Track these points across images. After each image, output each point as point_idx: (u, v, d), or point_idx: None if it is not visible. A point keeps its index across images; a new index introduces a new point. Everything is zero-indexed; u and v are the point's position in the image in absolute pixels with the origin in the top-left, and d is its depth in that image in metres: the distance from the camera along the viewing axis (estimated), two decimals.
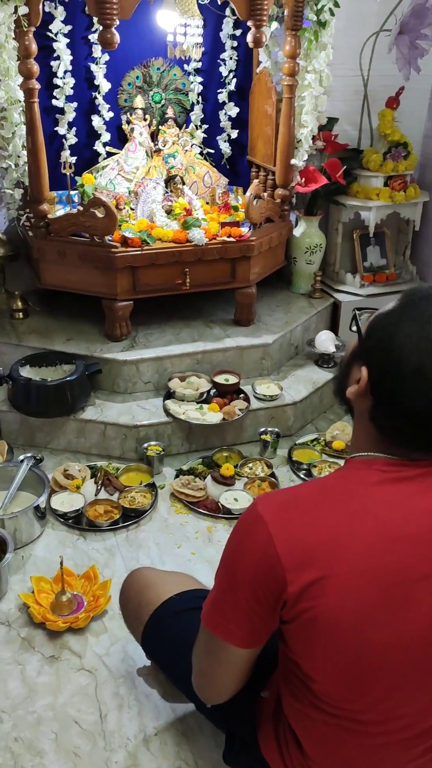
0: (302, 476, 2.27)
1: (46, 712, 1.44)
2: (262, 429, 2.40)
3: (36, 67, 2.19)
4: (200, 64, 2.80)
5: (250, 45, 2.23)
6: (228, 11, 2.67)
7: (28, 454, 2.18)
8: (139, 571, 1.47)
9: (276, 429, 2.41)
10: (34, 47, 2.15)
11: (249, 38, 2.21)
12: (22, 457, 2.15)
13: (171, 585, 1.38)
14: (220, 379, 2.45)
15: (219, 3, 2.20)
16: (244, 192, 2.78)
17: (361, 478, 0.96)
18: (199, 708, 1.28)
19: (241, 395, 2.45)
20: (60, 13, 2.48)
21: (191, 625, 1.12)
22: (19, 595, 1.69)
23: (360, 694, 0.96)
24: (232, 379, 2.45)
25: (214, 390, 2.45)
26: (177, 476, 2.22)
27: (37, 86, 2.22)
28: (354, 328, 1.03)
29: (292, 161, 2.64)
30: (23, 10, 2.08)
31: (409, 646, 0.93)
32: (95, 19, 2.36)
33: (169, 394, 2.40)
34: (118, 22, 2.03)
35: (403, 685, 0.97)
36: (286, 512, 0.94)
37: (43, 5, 2.17)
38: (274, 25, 2.50)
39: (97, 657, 1.57)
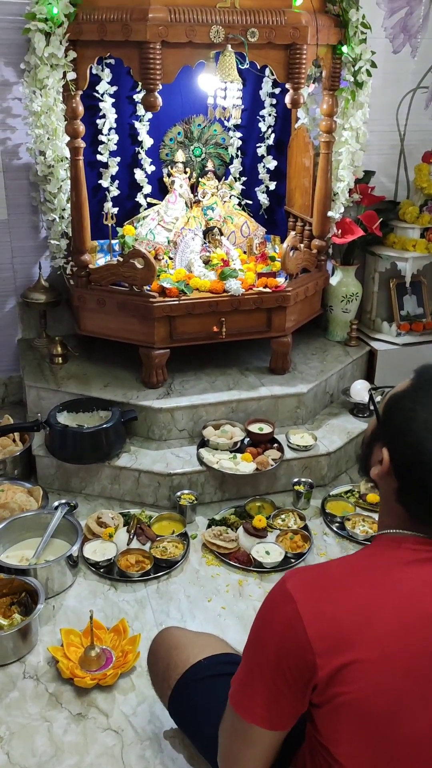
0: (335, 529, 2.24)
1: None
2: (296, 479, 2.39)
3: (82, 128, 2.29)
4: (240, 120, 2.88)
5: (289, 106, 2.29)
6: (267, 71, 2.75)
7: (63, 501, 2.21)
8: (169, 631, 1.46)
9: (309, 479, 2.39)
10: (81, 109, 2.26)
11: (287, 99, 2.27)
12: (56, 504, 2.18)
13: (200, 648, 1.36)
14: (254, 428, 2.45)
15: (258, 67, 2.26)
16: (282, 241, 2.82)
17: (392, 557, 0.95)
18: None
19: (275, 445, 2.45)
20: (107, 75, 2.59)
21: (218, 693, 1.11)
22: (48, 648, 1.69)
23: None
24: (266, 428, 2.46)
25: (248, 439, 2.45)
26: (209, 526, 2.21)
27: (83, 145, 2.32)
28: (372, 407, 1.03)
29: (329, 213, 2.68)
30: (71, 75, 2.19)
31: None
32: (140, 85, 2.45)
33: (203, 443, 2.42)
34: (161, 87, 2.11)
35: None
36: (316, 591, 0.93)
37: (91, 69, 2.28)
38: (313, 86, 2.57)
39: (124, 716, 1.55)
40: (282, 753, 1.14)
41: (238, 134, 2.90)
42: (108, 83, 2.60)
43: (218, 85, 2.29)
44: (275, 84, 2.78)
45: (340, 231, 2.73)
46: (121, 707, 1.57)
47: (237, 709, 0.97)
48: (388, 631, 0.89)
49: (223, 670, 1.27)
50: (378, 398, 1.06)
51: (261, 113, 2.86)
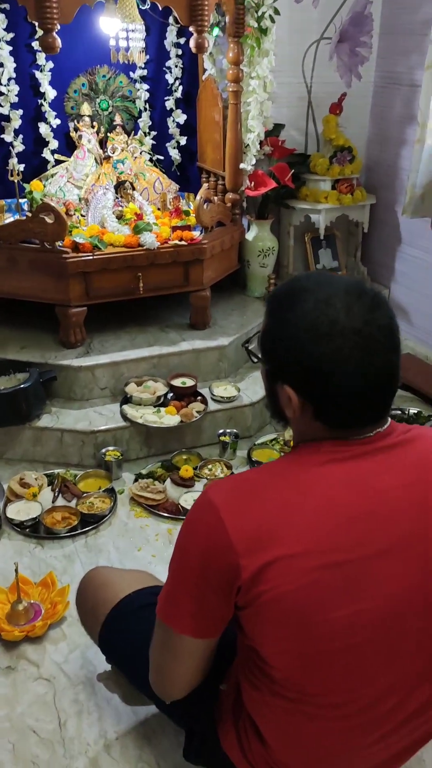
0: None
1: (2, 723, 1.39)
2: (221, 431, 2.40)
3: None
4: (146, 71, 2.82)
5: (193, 50, 2.25)
6: (171, 19, 2.70)
7: None
8: (96, 571, 1.44)
9: (235, 430, 2.41)
10: None
11: (192, 43, 2.24)
12: None
13: (128, 582, 1.35)
14: (176, 382, 2.44)
15: (160, 8, 2.21)
16: (195, 198, 2.80)
17: (311, 460, 0.96)
18: (159, 706, 1.26)
19: (199, 398, 2.44)
20: (2, 21, 2.47)
21: (149, 622, 1.10)
22: None
23: (318, 678, 0.95)
24: (189, 382, 2.45)
25: (171, 394, 2.44)
26: (136, 480, 2.19)
27: None
28: (252, 357, 1.03)
29: (241, 165, 2.67)
30: None
31: (367, 626, 0.93)
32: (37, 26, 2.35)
33: (126, 399, 2.38)
34: (59, 27, 2.03)
35: (362, 667, 0.96)
36: (237, 497, 0.93)
37: None
38: (216, 31, 2.54)
39: (56, 665, 1.53)
40: (214, 672, 1.15)
41: (145, 86, 2.84)
42: (4, 29, 2.48)
43: (119, 27, 2.22)
44: (180, 33, 2.73)
45: (253, 183, 2.73)
46: (52, 657, 1.54)
47: (165, 621, 0.97)
48: (307, 528, 0.90)
49: (151, 600, 1.25)
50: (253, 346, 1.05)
51: (167, 64, 2.81)
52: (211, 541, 0.91)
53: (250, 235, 2.91)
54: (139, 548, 1.92)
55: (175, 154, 2.97)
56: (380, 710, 0.99)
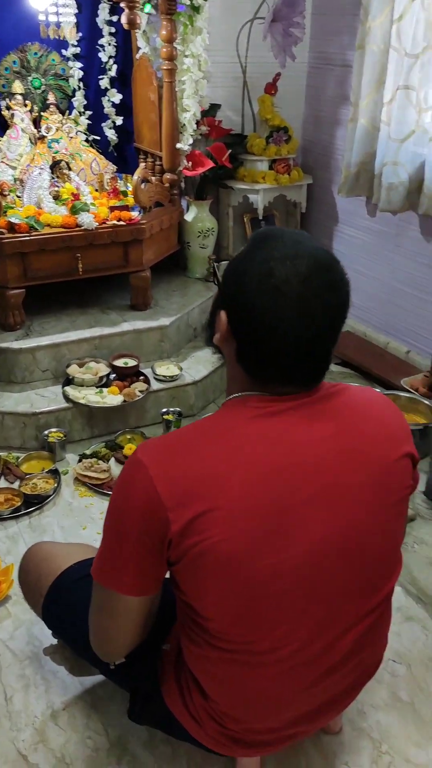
0: None
1: None
2: (164, 409, 2.41)
3: None
4: (79, 49, 2.78)
5: (125, 26, 2.24)
6: None
7: None
8: (39, 545, 1.44)
9: (178, 409, 2.43)
10: None
11: (123, 20, 2.22)
12: None
13: (70, 555, 1.36)
14: (119, 362, 2.44)
15: None
16: (133, 178, 2.78)
17: (237, 416, 0.99)
18: (104, 672, 1.27)
19: (141, 378, 2.45)
20: None
21: (90, 590, 1.11)
22: None
23: (251, 625, 0.99)
24: (131, 362, 2.45)
25: (114, 374, 2.43)
26: (80, 460, 2.19)
27: None
28: (213, 277, 1.06)
29: (178, 145, 2.67)
30: None
31: (295, 571, 0.97)
32: None
33: (68, 381, 2.37)
34: None
35: (292, 611, 1.00)
36: (165, 454, 0.95)
37: None
38: (149, 8, 2.52)
39: (1, 642, 1.52)
40: (156, 633, 1.17)
41: (79, 65, 2.80)
42: None
43: (49, 1, 2.18)
44: (113, 11, 2.70)
45: (190, 163, 2.74)
46: None
47: (100, 581, 0.99)
48: (234, 481, 0.93)
49: None
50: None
51: (100, 42, 2.77)
52: (141, 499, 0.93)
53: (189, 216, 2.92)
54: (84, 527, 1.92)
55: (111, 134, 2.94)
56: (312, 653, 1.04)
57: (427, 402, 2.38)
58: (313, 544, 0.97)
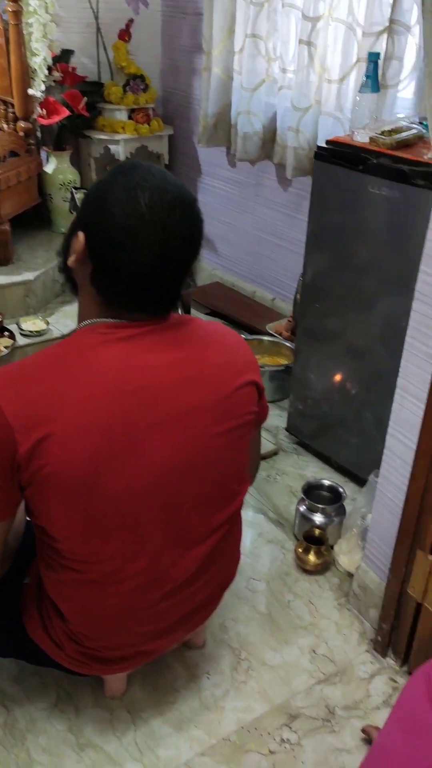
0: None
1: None
2: None
3: None
4: None
5: None
6: None
7: None
8: None
9: None
10: None
11: None
12: None
13: None
14: None
15: None
16: None
17: (85, 342, 1.02)
18: None
19: (6, 333, 2.40)
20: None
21: None
22: None
23: (100, 544, 1.04)
24: None
25: None
26: None
27: None
28: (72, 202, 1.07)
29: (30, 91, 2.58)
30: None
31: (141, 492, 1.02)
32: None
33: None
34: None
35: (139, 530, 1.06)
36: (11, 381, 0.97)
37: None
38: None
39: None
40: (17, 570, 1.20)
41: None
42: None
43: None
44: None
45: (45, 111, 2.66)
46: None
47: None
48: (82, 405, 0.97)
49: None
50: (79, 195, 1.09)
51: None
52: None
53: (49, 168, 2.84)
54: None
55: None
56: (161, 570, 1.11)
57: (289, 345, 2.51)
58: (159, 466, 1.02)
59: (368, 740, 1.28)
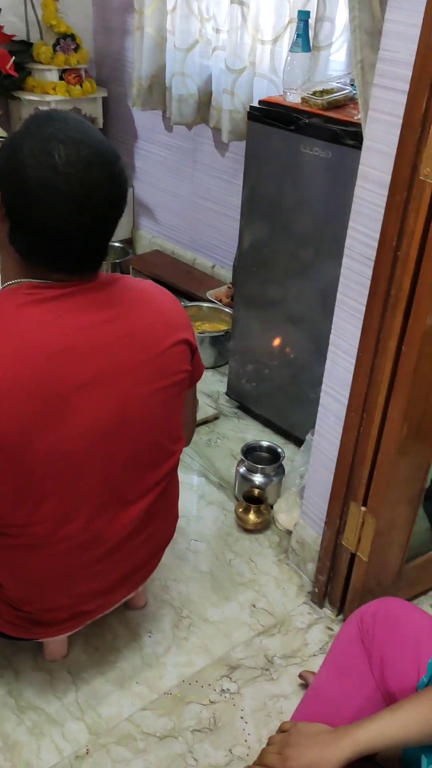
0: None
1: None
2: None
3: None
4: None
5: None
6: None
7: None
8: None
9: None
10: None
11: None
12: None
13: None
14: None
15: None
16: None
17: (8, 303, 0.99)
18: None
19: None
20: None
21: None
22: None
23: (33, 507, 1.03)
24: None
25: None
26: None
27: None
28: None
29: None
30: None
31: (72, 453, 1.01)
32: None
33: None
34: None
35: (72, 492, 1.05)
36: None
37: None
38: None
39: None
40: None
41: None
42: None
43: None
44: None
45: None
46: None
47: None
48: (8, 368, 0.94)
49: None
50: None
51: None
52: None
53: None
54: None
55: None
56: (96, 530, 1.10)
57: (228, 311, 2.52)
58: (91, 426, 1.01)
59: (305, 685, 1.32)
